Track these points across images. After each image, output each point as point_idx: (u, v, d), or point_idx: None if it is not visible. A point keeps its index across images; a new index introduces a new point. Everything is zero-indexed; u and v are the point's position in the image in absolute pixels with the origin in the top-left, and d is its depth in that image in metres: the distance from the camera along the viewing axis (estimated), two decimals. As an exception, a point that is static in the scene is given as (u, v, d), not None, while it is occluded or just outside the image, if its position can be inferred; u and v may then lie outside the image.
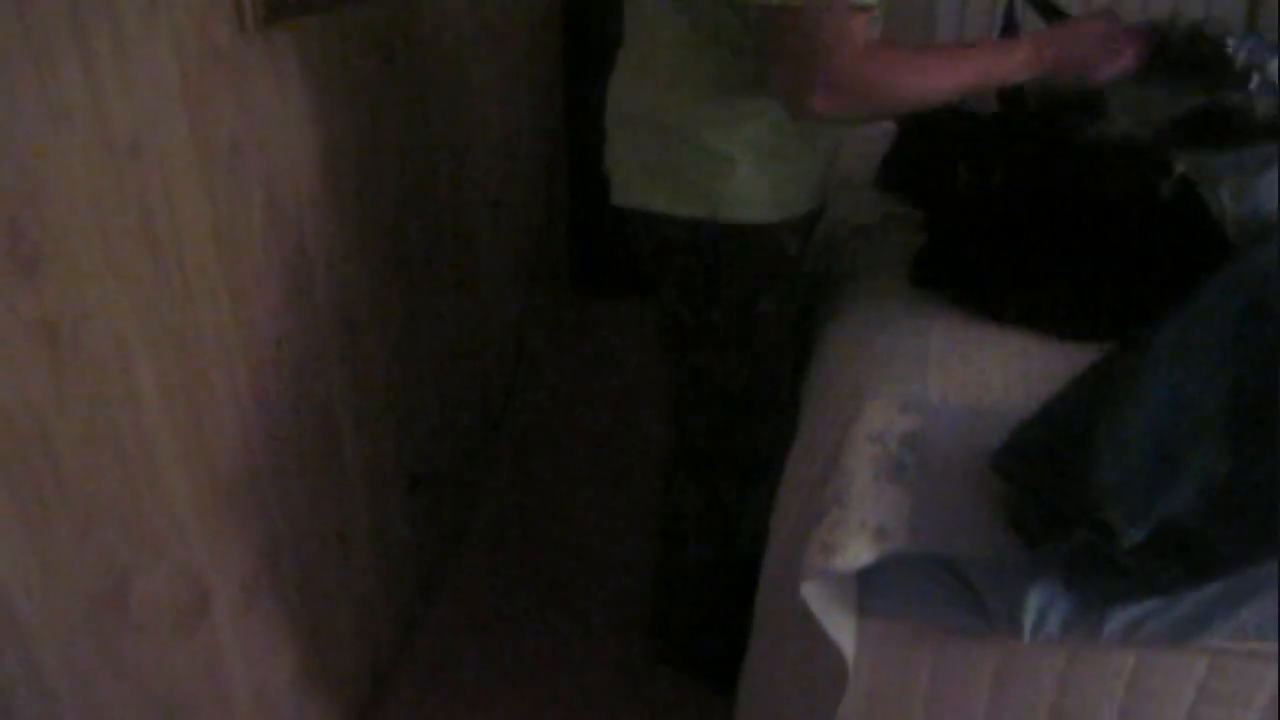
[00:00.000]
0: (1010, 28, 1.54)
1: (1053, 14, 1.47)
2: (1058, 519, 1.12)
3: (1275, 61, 1.44)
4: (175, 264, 1.23)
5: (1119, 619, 1.21)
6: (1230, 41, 1.45)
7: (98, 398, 1.11)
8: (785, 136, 1.45)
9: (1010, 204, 1.38)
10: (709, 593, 1.90)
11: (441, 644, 2.10)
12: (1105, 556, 1.12)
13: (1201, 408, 1.13)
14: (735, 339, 1.60)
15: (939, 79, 1.31)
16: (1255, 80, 1.43)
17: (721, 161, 1.45)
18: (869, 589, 1.28)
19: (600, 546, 2.36)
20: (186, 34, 1.23)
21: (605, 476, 2.60)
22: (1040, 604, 1.23)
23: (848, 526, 1.22)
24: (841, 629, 1.26)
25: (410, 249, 1.93)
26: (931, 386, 1.27)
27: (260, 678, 1.54)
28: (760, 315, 1.58)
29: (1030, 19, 1.52)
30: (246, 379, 1.40)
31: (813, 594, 1.23)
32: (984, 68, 1.33)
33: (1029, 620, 1.24)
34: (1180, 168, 1.23)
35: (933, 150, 1.56)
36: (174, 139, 1.22)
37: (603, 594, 2.22)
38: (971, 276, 1.35)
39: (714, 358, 1.64)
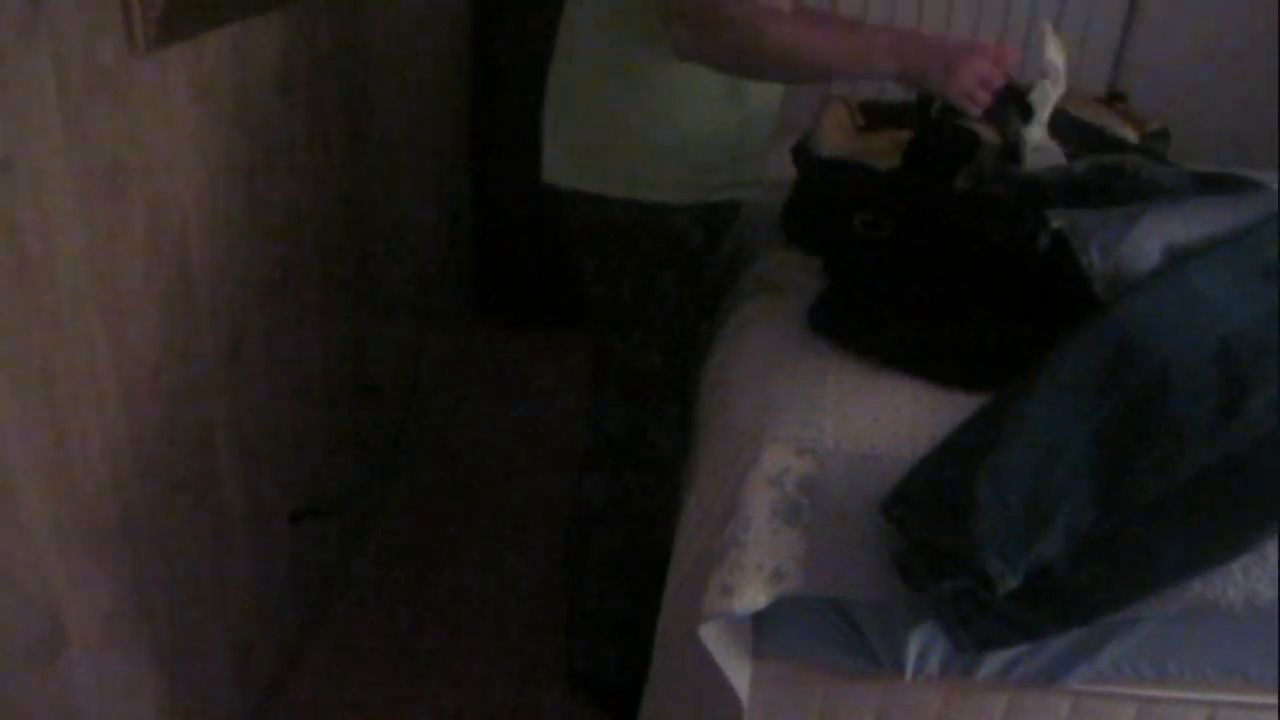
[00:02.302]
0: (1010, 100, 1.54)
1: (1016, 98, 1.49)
2: (940, 565, 1.15)
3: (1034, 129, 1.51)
4: (45, 286, 1.18)
5: (993, 661, 1.26)
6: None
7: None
8: (692, 123, 1.54)
9: (902, 253, 1.42)
10: (615, 589, 1.92)
11: (322, 685, 2.04)
12: (982, 602, 1.15)
13: (1069, 458, 1.18)
14: (639, 318, 1.69)
15: (815, 45, 1.39)
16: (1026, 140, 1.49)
17: (627, 139, 1.55)
18: (761, 630, 1.31)
19: (493, 587, 2.32)
20: (70, 51, 1.18)
21: (501, 513, 2.56)
22: (921, 645, 1.27)
23: (745, 569, 1.24)
24: (737, 670, 1.30)
25: (302, 274, 1.89)
26: (827, 431, 1.29)
27: (121, 716, 1.47)
28: (661, 295, 1.65)
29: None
30: (118, 408, 1.35)
31: (711, 635, 1.26)
32: (846, 49, 1.41)
33: (910, 660, 1.27)
34: (1055, 223, 1.28)
35: (830, 200, 1.61)
36: (50, 158, 1.17)
37: (494, 638, 2.18)
38: (866, 322, 1.38)
39: (620, 338, 1.72)
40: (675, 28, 1.40)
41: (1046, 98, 1.49)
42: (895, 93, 1.74)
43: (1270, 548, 1.19)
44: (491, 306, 3.40)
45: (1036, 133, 1.49)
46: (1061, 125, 1.75)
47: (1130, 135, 1.82)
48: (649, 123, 1.55)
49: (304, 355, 1.94)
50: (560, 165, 1.67)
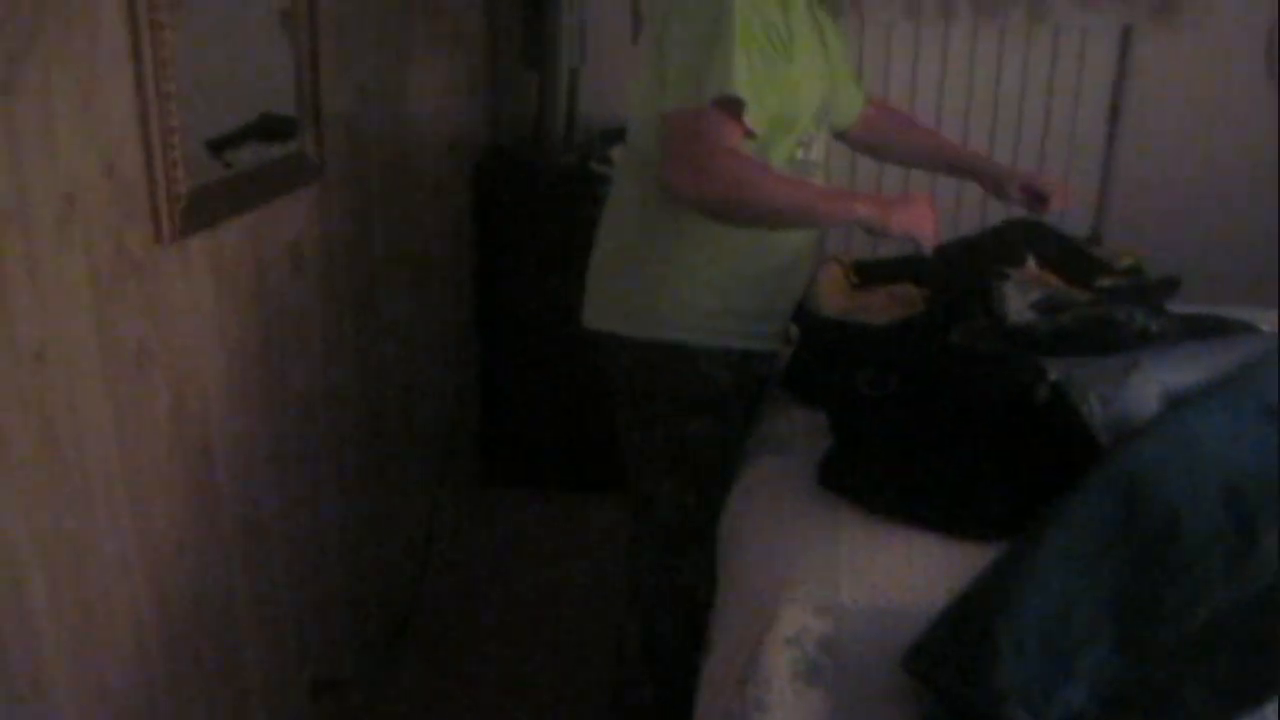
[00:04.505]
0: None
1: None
2: (966, 717, 1.14)
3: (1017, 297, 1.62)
4: (75, 469, 1.21)
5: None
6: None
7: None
8: (722, 274, 1.67)
9: (906, 408, 1.45)
10: None
11: None
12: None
13: (1086, 607, 1.17)
14: (674, 463, 1.76)
15: (775, 190, 1.56)
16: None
17: (662, 288, 1.69)
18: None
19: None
20: (101, 245, 1.25)
21: (518, 681, 2.52)
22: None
23: (769, 733, 1.22)
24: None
25: (318, 445, 1.92)
26: (844, 589, 1.29)
27: None
28: (695, 439, 1.73)
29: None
30: (144, 583, 1.36)
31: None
32: (812, 200, 1.61)
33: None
34: (1053, 376, 1.32)
35: (832, 359, 1.66)
36: (81, 345, 1.22)
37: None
38: (875, 478, 1.40)
39: (656, 483, 1.79)
40: (670, 174, 1.54)
41: (1019, 289, 1.62)
42: (886, 250, 1.84)
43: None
44: (499, 470, 3.42)
45: (1015, 307, 1.58)
46: (1049, 247, 1.84)
47: (1117, 272, 1.88)
48: (683, 274, 1.68)
49: (321, 526, 1.96)
50: (600, 312, 1.78)
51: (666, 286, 1.69)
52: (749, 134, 1.53)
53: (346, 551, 2.11)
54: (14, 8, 1.08)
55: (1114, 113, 3.15)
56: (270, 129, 1.74)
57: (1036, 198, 1.86)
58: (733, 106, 1.50)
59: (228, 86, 1.58)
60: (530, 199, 2.90)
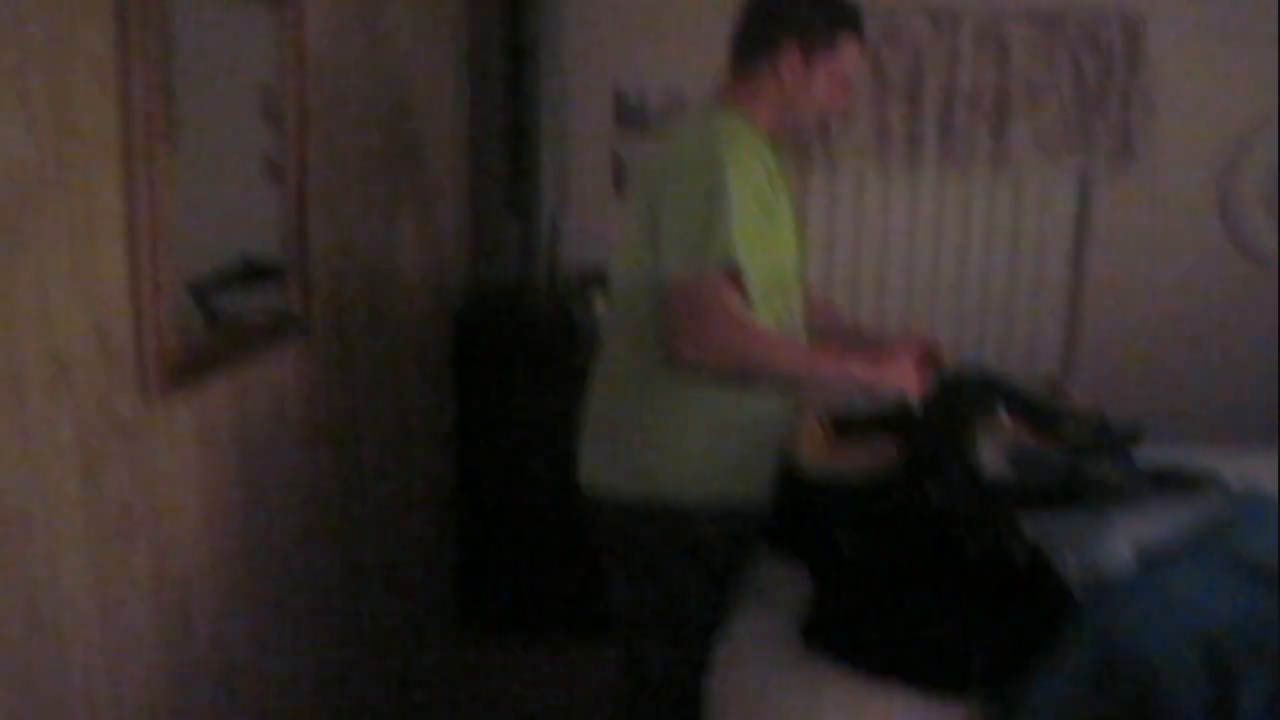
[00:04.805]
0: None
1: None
2: None
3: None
4: (53, 636, 1.20)
5: None
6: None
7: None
8: (711, 434, 1.69)
9: (887, 567, 1.47)
10: None
11: None
12: None
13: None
14: (663, 617, 1.75)
15: (777, 356, 1.66)
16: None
17: (655, 450, 1.69)
18: None
19: None
20: (89, 407, 1.26)
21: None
22: None
23: None
24: None
25: (296, 596, 1.91)
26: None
27: None
28: (684, 593, 1.72)
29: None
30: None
31: None
32: (811, 363, 1.70)
33: None
34: (1029, 535, 1.34)
35: (813, 516, 1.68)
36: (66, 510, 1.22)
37: None
38: (858, 638, 1.41)
39: (647, 641, 1.78)
40: (676, 344, 1.59)
41: (991, 438, 1.69)
42: (863, 405, 1.89)
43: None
44: (479, 617, 3.38)
45: (989, 461, 1.63)
46: (1026, 412, 1.88)
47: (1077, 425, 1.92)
48: (682, 435, 1.69)
49: (297, 676, 1.92)
50: (598, 472, 1.78)
51: (667, 447, 1.70)
52: (746, 297, 1.59)
53: (322, 702, 2.07)
54: (11, 173, 1.12)
55: (1076, 259, 3.26)
56: (251, 274, 1.75)
57: (929, 360, 1.90)
58: (733, 273, 1.56)
59: (209, 231, 1.58)
60: (512, 345, 2.93)
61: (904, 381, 1.69)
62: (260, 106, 1.75)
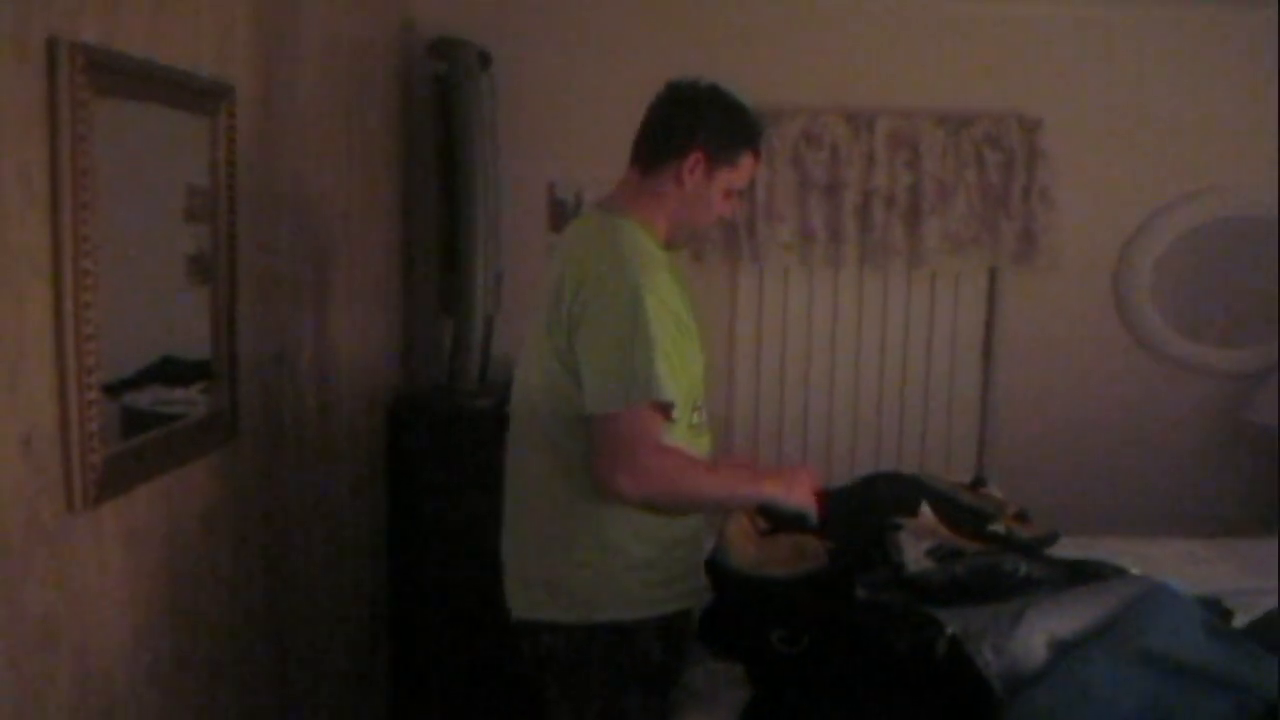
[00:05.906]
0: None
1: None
2: None
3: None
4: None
5: None
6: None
7: None
8: (640, 548, 1.70)
9: (819, 664, 1.52)
10: None
11: None
12: None
13: None
14: None
15: (701, 484, 1.71)
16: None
17: (585, 570, 1.69)
18: None
19: None
20: (13, 516, 1.25)
21: None
22: None
23: None
24: None
25: (225, 702, 1.87)
26: None
27: None
28: (628, 711, 1.71)
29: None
30: None
31: None
32: (736, 488, 1.78)
33: None
34: (950, 629, 1.39)
35: (746, 614, 1.73)
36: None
37: None
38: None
39: None
40: (604, 476, 1.60)
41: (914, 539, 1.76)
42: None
43: None
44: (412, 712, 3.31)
45: (912, 557, 1.69)
46: (946, 508, 1.94)
47: (1001, 522, 1.98)
48: (616, 556, 1.70)
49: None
50: (530, 602, 1.76)
51: (603, 571, 1.70)
52: (669, 419, 1.63)
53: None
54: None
55: (986, 355, 3.37)
56: (172, 373, 1.73)
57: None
58: (659, 404, 1.59)
59: (130, 329, 1.56)
60: (444, 442, 2.94)
61: (803, 502, 1.75)
62: (185, 208, 1.74)
